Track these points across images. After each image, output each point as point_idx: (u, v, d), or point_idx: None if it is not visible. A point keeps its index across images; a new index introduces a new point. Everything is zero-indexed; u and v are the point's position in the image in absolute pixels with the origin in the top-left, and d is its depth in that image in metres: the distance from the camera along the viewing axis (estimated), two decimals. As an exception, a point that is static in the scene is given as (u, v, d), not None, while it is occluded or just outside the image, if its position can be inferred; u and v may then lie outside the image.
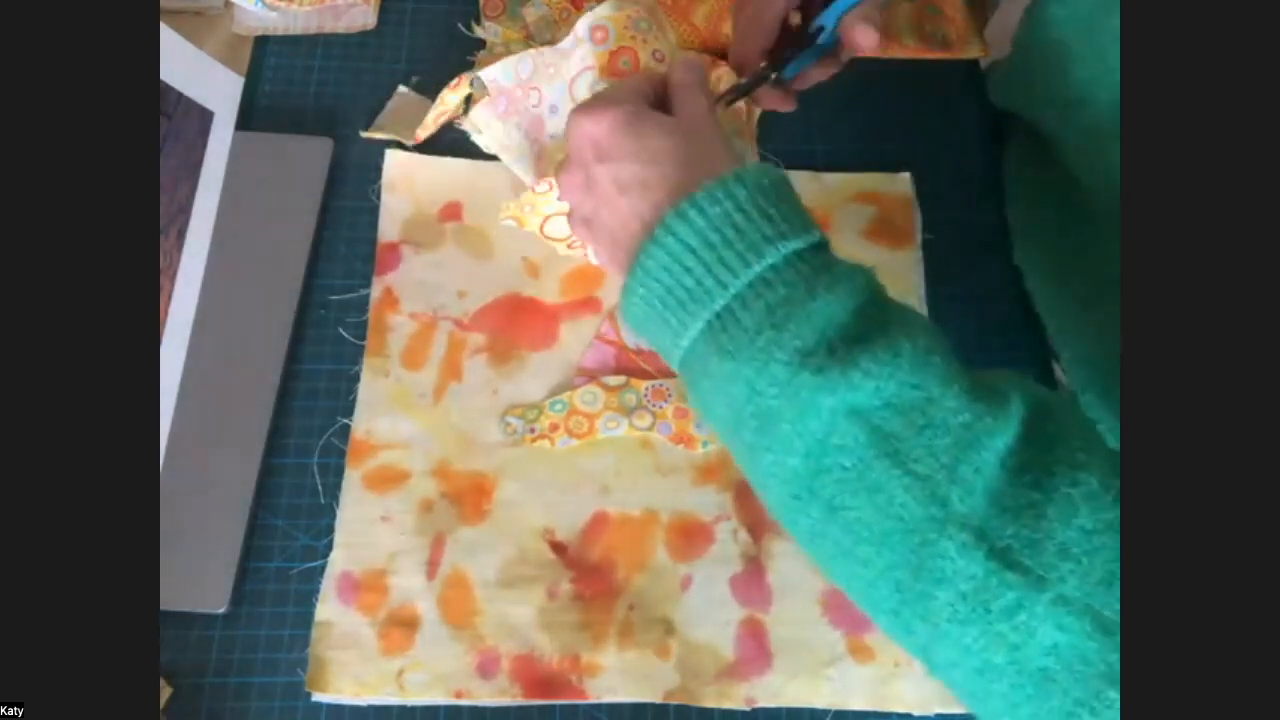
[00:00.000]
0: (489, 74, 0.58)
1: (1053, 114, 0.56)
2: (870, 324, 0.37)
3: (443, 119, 0.62)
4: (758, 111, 0.57)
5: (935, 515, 0.35)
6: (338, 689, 0.51)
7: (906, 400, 0.36)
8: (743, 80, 0.52)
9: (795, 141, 0.66)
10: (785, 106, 0.54)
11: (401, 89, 0.66)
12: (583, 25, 0.53)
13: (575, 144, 0.44)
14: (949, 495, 0.35)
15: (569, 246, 0.58)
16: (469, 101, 0.62)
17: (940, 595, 0.35)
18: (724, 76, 0.54)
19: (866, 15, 0.49)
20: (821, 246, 0.39)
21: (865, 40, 0.49)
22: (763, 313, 0.37)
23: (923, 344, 0.37)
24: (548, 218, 0.56)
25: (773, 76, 0.51)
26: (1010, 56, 0.63)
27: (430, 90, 0.66)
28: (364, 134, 0.64)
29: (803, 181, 0.64)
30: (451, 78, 0.66)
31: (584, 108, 0.44)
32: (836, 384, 0.36)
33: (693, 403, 0.41)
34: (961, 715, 0.52)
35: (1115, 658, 0.32)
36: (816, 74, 0.54)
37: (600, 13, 0.53)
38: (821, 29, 0.50)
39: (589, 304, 0.61)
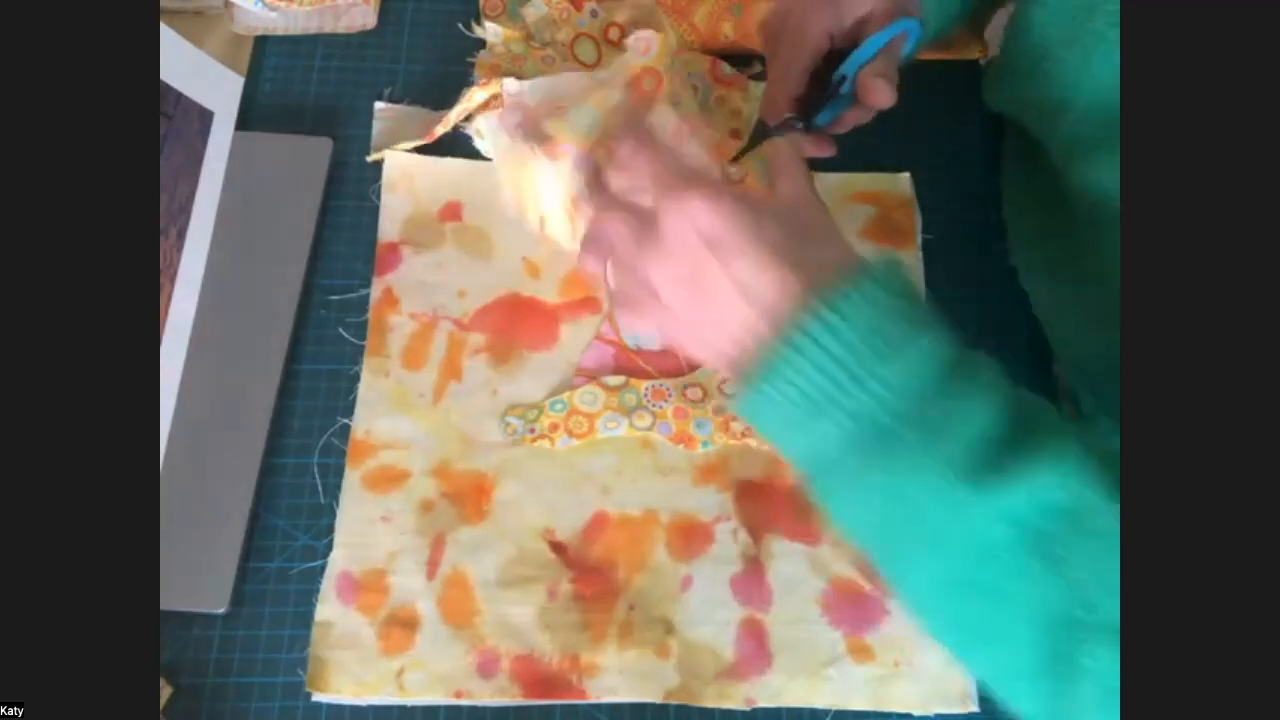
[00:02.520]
0: (513, 87, 0.58)
1: (1038, 116, 0.56)
2: (1020, 426, 0.37)
3: (464, 115, 0.62)
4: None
5: (1082, 619, 0.35)
6: (338, 689, 0.51)
7: (1066, 506, 0.36)
8: (769, 126, 0.52)
9: (795, 141, 0.66)
10: (823, 152, 0.55)
11: (379, 105, 0.66)
12: (633, 36, 0.55)
13: (682, 233, 0.40)
14: (1099, 602, 0.35)
15: (574, 238, 0.58)
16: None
17: (1084, 687, 0.35)
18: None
19: (883, 72, 0.50)
20: (954, 340, 0.39)
21: (880, 98, 0.49)
22: (915, 419, 0.36)
23: (1074, 449, 0.37)
24: (544, 219, 0.57)
25: (799, 125, 0.52)
26: (997, 59, 0.63)
27: (410, 98, 0.66)
28: (371, 158, 0.64)
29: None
30: (452, 78, 0.66)
31: (685, 192, 0.40)
32: (996, 493, 0.36)
33: (824, 499, 0.41)
34: (961, 716, 0.52)
35: None
36: (852, 118, 0.55)
37: (654, 35, 0.55)
38: (844, 78, 0.51)
39: (589, 304, 0.61)
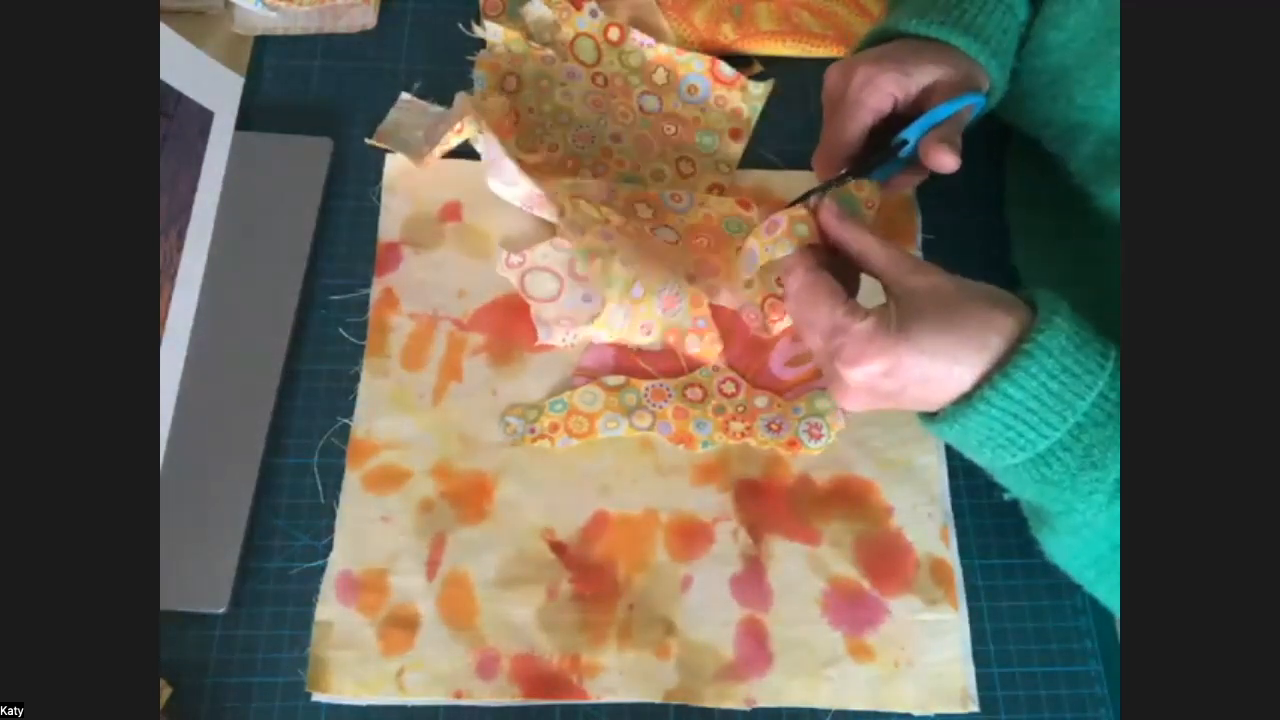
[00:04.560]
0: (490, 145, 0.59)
1: (1057, 136, 0.56)
2: None
3: (445, 151, 0.62)
4: (866, 185, 0.56)
5: None
6: (338, 689, 0.51)
7: None
8: (821, 183, 0.52)
9: (796, 141, 0.66)
10: (871, 208, 0.55)
11: (405, 96, 0.66)
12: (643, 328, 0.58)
13: (860, 391, 0.45)
14: None
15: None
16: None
17: None
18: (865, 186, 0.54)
19: (947, 136, 0.49)
20: (1112, 378, 0.41)
21: (947, 162, 0.49)
22: (1081, 454, 0.42)
23: None
24: (527, 271, 0.60)
25: (851, 181, 0.51)
26: (1011, 76, 0.63)
27: (432, 95, 0.66)
28: (369, 141, 0.64)
29: (803, 181, 0.64)
30: (452, 78, 0.66)
31: (838, 362, 0.44)
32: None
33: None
34: (961, 716, 0.52)
35: None
36: (903, 181, 0.55)
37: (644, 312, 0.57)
38: (905, 142, 0.50)
39: (589, 304, 0.61)
